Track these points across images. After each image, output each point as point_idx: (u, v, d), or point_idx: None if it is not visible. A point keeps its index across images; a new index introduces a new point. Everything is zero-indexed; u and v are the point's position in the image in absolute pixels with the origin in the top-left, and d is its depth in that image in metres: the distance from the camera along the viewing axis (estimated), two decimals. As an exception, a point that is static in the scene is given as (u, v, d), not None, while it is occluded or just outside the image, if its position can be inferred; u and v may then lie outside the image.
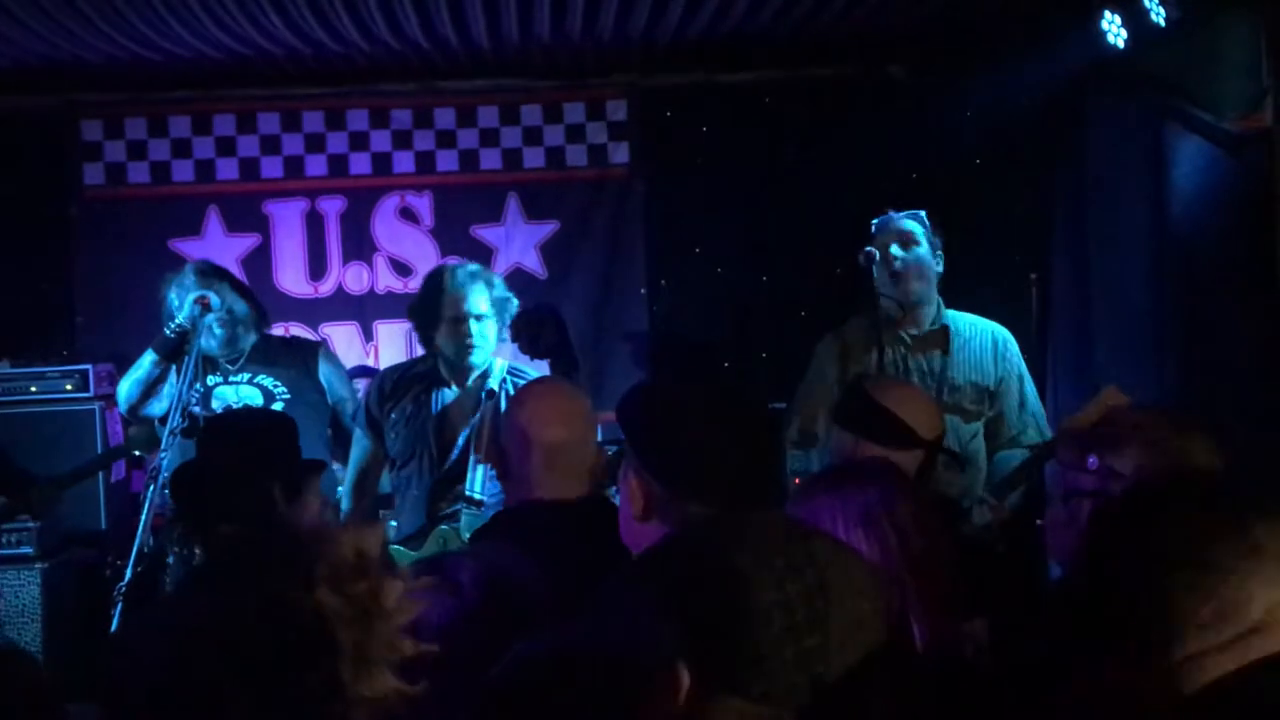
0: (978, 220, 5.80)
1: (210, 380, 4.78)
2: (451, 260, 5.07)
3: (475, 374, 4.42)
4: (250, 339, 4.88)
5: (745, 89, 6.43)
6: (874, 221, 4.58)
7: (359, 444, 4.55)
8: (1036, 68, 5.34)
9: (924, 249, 4.46)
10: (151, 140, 6.38)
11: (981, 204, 5.91)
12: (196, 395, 4.50)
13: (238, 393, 4.82)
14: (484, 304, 4.37)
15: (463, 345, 4.34)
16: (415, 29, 5.46)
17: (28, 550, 5.18)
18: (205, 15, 5.12)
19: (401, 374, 4.55)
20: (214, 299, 4.57)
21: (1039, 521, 3.88)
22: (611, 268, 6.50)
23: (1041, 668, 1.72)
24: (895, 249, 4.44)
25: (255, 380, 4.83)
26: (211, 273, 4.87)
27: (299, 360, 4.94)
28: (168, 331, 4.62)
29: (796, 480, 4.79)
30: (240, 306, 4.83)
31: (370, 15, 5.22)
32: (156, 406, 4.80)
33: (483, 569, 2.32)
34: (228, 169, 6.41)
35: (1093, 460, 2.19)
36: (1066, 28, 5.14)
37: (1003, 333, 4.50)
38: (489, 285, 4.41)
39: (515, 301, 4.56)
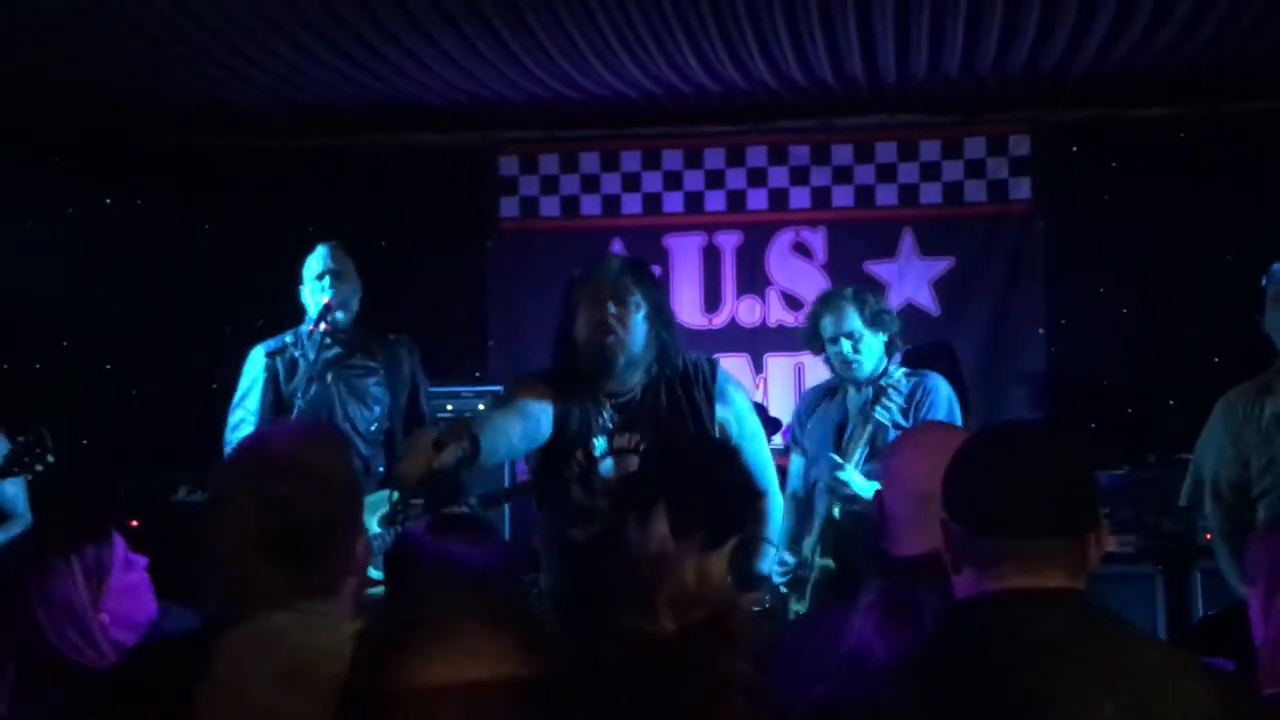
0: None
1: (597, 449, 3.82)
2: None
3: (868, 379, 4.53)
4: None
5: (1157, 124, 6.19)
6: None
7: (795, 464, 4.71)
8: None
9: None
10: (563, 175, 6.71)
11: None
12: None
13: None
14: (853, 322, 4.50)
15: (844, 363, 4.52)
16: (825, 68, 5.53)
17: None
18: (626, 56, 5.37)
19: (815, 391, 4.83)
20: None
21: None
22: (1007, 306, 6.37)
23: None
24: None
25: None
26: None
27: None
28: None
29: (1208, 536, 4.57)
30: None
31: (783, 55, 5.33)
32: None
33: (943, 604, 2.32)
34: (632, 204, 6.67)
35: None
36: None
37: None
38: (861, 305, 4.53)
39: (892, 313, 4.63)
